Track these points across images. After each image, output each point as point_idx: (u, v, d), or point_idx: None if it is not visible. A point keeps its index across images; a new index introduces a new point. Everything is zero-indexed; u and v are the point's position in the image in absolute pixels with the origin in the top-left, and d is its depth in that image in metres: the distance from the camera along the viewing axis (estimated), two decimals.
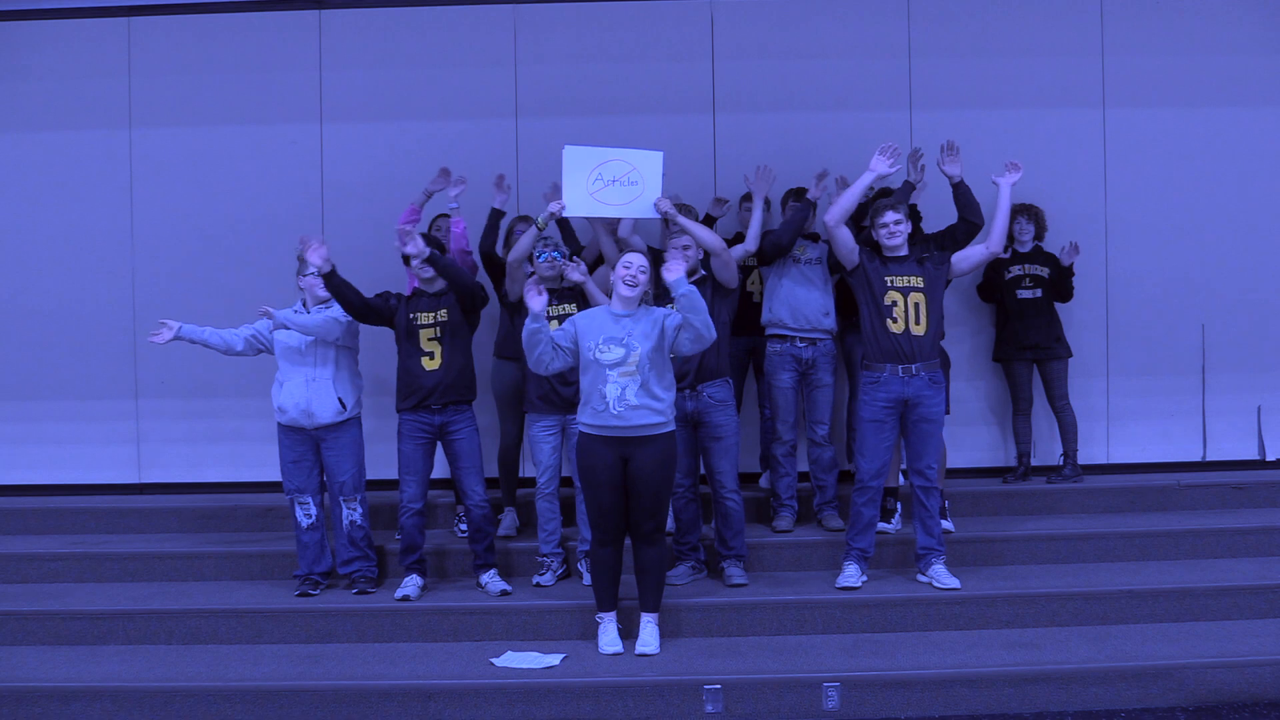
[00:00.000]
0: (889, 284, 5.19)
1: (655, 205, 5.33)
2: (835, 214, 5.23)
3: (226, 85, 6.74)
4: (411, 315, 5.34)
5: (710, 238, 5.32)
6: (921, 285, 5.18)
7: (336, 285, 5.19)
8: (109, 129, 6.78)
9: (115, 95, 6.78)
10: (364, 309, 5.30)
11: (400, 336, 5.36)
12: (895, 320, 5.16)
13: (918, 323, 5.16)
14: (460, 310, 5.34)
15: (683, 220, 5.30)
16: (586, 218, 5.57)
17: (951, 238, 5.54)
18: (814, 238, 5.93)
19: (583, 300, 5.39)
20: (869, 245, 5.29)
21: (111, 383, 6.80)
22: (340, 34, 6.75)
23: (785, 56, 6.67)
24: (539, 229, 5.35)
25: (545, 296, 4.73)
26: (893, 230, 5.20)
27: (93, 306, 6.79)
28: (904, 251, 5.23)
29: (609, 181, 5.33)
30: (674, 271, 4.67)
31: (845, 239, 5.25)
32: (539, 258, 5.39)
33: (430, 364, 5.29)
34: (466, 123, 6.68)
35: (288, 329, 5.35)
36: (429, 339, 5.31)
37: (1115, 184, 6.69)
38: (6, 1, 6.76)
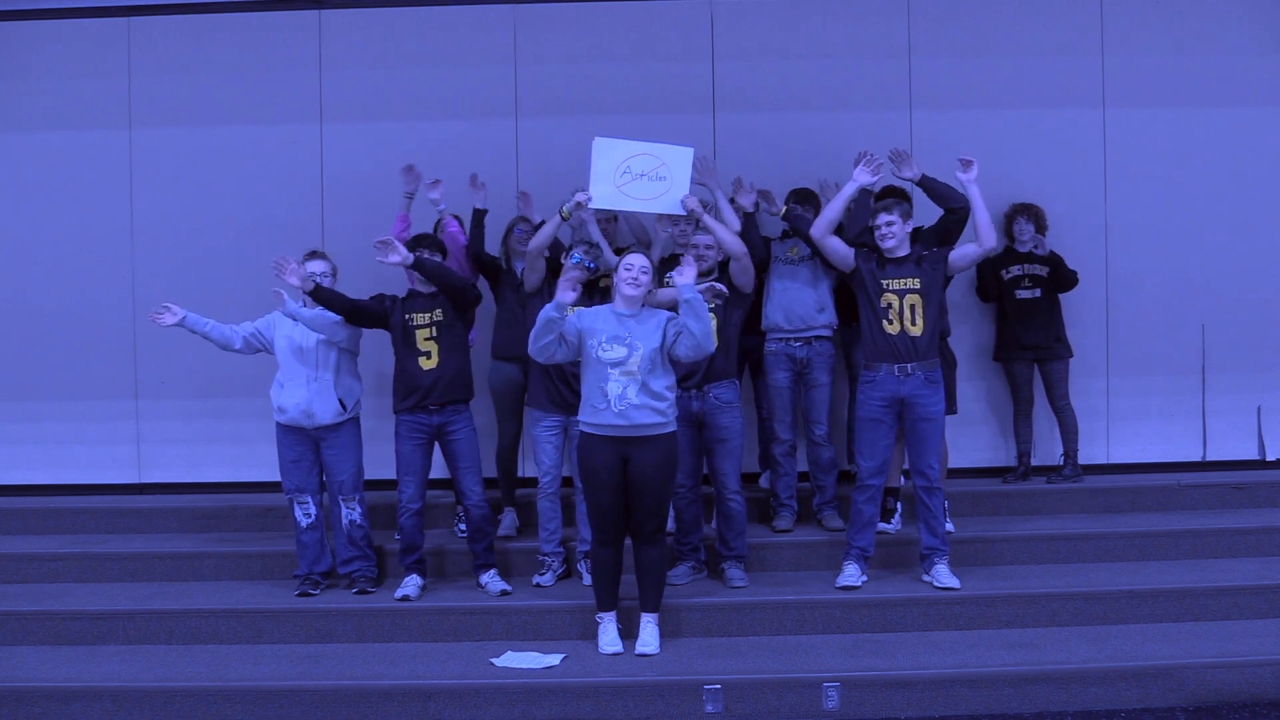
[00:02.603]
0: (885, 286, 5.18)
1: (682, 202, 5.29)
2: (820, 227, 5.25)
3: (226, 85, 6.74)
4: (407, 316, 5.34)
5: (734, 241, 5.26)
6: (918, 286, 5.16)
7: (325, 298, 5.25)
8: (109, 129, 6.77)
9: (115, 95, 6.77)
10: (354, 313, 5.33)
11: (397, 338, 5.36)
12: (891, 321, 5.15)
13: (914, 323, 5.15)
14: (453, 309, 5.35)
15: (708, 220, 5.27)
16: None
17: (945, 230, 5.46)
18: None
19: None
20: (868, 247, 5.28)
21: (111, 383, 6.79)
22: (340, 34, 6.75)
23: (785, 56, 6.67)
24: (563, 218, 5.33)
25: (577, 293, 4.75)
26: (884, 232, 5.18)
27: (93, 306, 6.79)
28: (902, 252, 5.21)
29: (637, 175, 5.26)
30: (684, 276, 4.67)
31: (835, 247, 5.27)
32: (571, 257, 5.24)
33: (427, 363, 5.29)
34: (466, 123, 6.67)
35: (295, 321, 5.38)
36: (425, 339, 5.31)
37: (1115, 184, 6.68)
38: (6, 1, 6.75)
